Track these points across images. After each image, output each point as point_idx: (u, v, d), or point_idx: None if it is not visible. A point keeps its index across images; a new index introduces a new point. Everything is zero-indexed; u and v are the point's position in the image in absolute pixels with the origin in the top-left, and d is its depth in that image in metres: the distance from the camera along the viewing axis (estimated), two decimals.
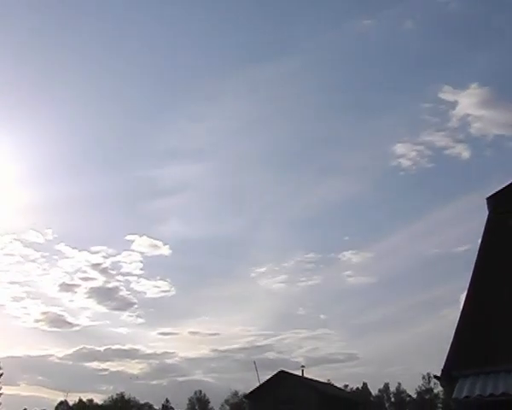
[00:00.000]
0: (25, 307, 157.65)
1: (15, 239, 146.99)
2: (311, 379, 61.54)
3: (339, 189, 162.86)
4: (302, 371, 59.49)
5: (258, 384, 58.11)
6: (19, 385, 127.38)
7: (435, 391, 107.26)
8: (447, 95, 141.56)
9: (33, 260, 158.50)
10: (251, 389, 60.28)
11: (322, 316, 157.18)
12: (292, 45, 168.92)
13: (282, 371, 56.91)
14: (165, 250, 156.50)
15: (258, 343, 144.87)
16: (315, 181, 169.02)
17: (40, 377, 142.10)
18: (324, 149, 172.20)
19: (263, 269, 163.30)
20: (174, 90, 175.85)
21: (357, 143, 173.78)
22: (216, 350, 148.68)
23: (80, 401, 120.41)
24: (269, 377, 57.51)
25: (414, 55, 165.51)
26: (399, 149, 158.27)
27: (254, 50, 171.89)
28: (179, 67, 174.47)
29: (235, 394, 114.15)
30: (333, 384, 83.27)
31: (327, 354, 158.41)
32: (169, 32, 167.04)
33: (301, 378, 57.51)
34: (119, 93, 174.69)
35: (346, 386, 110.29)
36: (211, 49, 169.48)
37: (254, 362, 63.07)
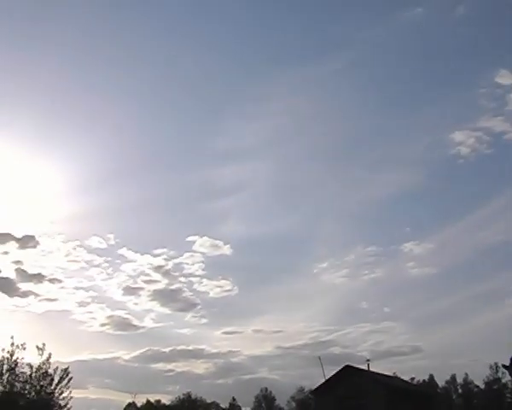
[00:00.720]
0: (90, 312, 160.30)
1: (79, 246, 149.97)
2: (377, 373, 61.24)
3: (396, 180, 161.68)
4: (368, 365, 59.27)
5: (323, 380, 58.13)
6: (87, 388, 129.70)
7: (503, 381, 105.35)
8: (504, 79, 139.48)
9: (97, 266, 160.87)
10: (317, 385, 60.34)
11: (385, 309, 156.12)
12: (341, 41, 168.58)
13: (347, 366, 56.74)
14: (227, 250, 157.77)
15: (323, 339, 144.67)
16: (371, 174, 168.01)
17: (107, 380, 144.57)
18: (379, 142, 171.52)
19: (324, 264, 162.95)
20: (228, 91, 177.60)
21: (413, 134, 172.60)
22: (280, 347, 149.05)
23: (148, 402, 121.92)
24: (334, 372, 57.49)
25: (467, 40, 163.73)
26: (457, 136, 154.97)
27: (304, 49, 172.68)
28: (232, 69, 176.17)
29: (301, 390, 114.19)
30: (399, 377, 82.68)
31: (391, 346, 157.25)
32: (223, 35, 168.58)
33: (367, 372, 57.26)
34: (177, 98, 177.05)
35: (413, 379, 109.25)
36: (261, 50, 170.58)
37: (319, 358, 63.22)
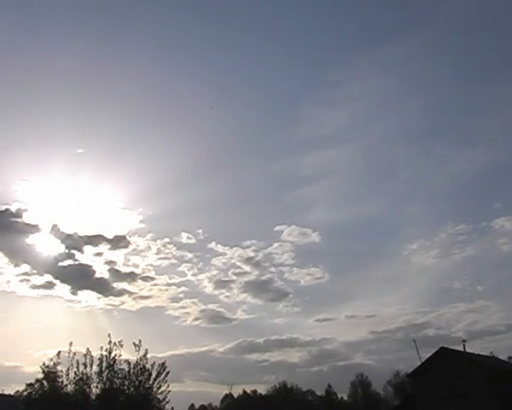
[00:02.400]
0: (184, 307, 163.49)
1: (169, 243, 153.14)
2: (474, 354, 59.98)
3: (483, 155, 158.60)
4: (463, 345, 58.08)
5: (419, 363, 57.35)
6: (184, 382, 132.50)
7: None
8: None
9: (188, 261, 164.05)
10: (413, 369, 59.61)
11: (479, 287, 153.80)
12: (418, 20, 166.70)
13: (442, 348, 55.75)
14: (315, 237, 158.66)
15: (416, 321, 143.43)
16: (458, 150, 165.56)
17: (203, 373, 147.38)
18: (464, 117, 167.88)
19: (414, 246, 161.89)
20: (307, 79, 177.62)
21: (498, 109, 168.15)
22: (374, 332, 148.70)
23: (244, 392, 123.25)
24: (430, 354, 56.64)
25: None
26: None
27: (380, 30, 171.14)
28: (310, 57, 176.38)
29: (397, 374, 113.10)
30: (497, 357, 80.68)
31: (487, 326, 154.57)
32: (300, 23, 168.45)
33: (463, 354, 56.16)
34: (258, 90, 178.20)
35: (510, 358, 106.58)
36: (337, 35, 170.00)
37: (414, 341, 62.47)
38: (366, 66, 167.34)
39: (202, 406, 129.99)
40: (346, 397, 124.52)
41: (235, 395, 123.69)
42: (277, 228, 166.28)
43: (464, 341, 59.71)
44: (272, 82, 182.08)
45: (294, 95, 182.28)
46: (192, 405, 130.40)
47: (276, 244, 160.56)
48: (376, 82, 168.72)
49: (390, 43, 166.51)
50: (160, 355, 52.17)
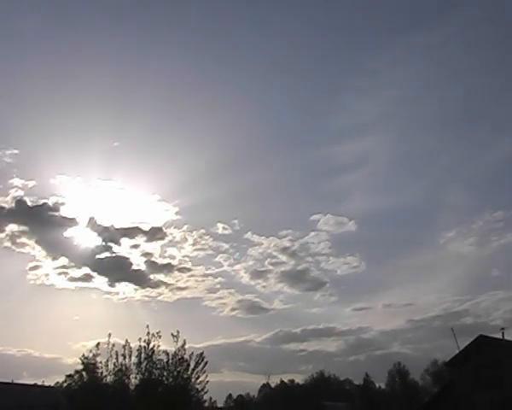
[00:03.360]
0: (220, 298, 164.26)
1: (205, 234, 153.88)
2: None
3: None
4: (502, 333, 57.51)
5: (457, 351, 56.99)
6: (221, 372, 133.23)
7: None
8: None
9: (224, 252, 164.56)
10: (450, 357, 59.23)
11: None
12: (456, 3, 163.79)
13: (481, 336, 55.28)
14: (351, 226, 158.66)
15: (454, 309, 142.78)
16: (495, 135, 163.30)
17: (241, 363, 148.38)
18: (501, 104, 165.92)
19: (451, 233, 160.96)
20: (341, 68, 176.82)
21: None
22: (411, 320, 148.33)
23: (282, 382, 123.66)
24: (468, 342, 56.25)
25: None
26: None
27: (415, 16, 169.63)
28: (343, 45, 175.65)
29: (435, 362, 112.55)
30: None
31: None
32: (332, 11, 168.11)
33: (502, 341, 55.63)
34: (292, 79, 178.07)
35: None
36: (370, 22, 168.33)
37: (452, 329, 61.85)
38: (402, 52, 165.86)
39: (240, 396, 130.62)
40: (383, 386, 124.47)
41: (273, 385, 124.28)
42: (313, 217, 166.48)
43: (503, 328, 59.02)
44: (307, 70, 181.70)
45: (330, 83, 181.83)
46: (230, 395, 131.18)
47: (312, 233, 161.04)
48: (413, 68, 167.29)
49: (427, 28, 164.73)
50: (198, 346, 52.72)
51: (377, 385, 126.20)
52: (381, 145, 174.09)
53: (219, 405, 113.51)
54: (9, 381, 75.65)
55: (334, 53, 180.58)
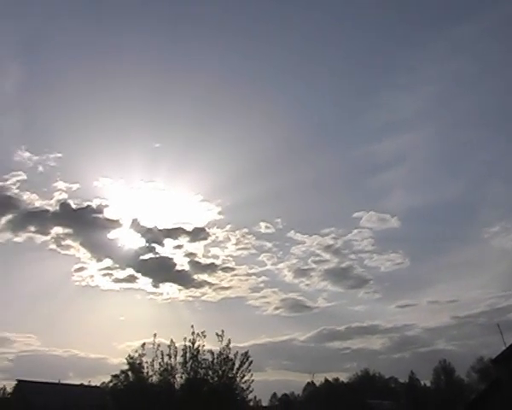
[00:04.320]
0: (264, 297, 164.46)
1: (247, 233, 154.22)
2: None
3: None
4: None
5: (503, 348, 56.22)
6: (266, 371, 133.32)
7: None
8: None
9: (267, 251, 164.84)
10: (497, 354, 58.47)
11: None
12: None
13: None
14: (394, 222, 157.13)
15: (499, 305, 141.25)
16: None
17: (285, 362, 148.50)
18: None
19: (495, 228, 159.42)
20: (380, 64, 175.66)
21: None
22: (456, 317, 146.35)
23: (326, 380, 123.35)
24: None
25: None
26: None
27: (452, 10, 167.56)
28: (382, 41, 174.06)
29: (481, 359, 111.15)
30: None
31: None
32: (371, 8, 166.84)
33: None
34: (331, 77, 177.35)
35: None
36: (408, 17, 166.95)
37: (498, 325, 61.05)
38: (440, 47, 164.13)
39: (284, 394, 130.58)
40: (428, 384, 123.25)
41: (317, 384, 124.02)
42: (356, 215, 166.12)
43: None
44: (347, 69, 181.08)
45: (369, 81, 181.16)
46: (274, 394, 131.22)
47: (355, 231, 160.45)
48: (451, 63, 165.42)
49: (464, 22, 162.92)
50: (242, 345, 52.80)
51: (422, 383, 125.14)
52: (422, 141, 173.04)
53: (264, 404, 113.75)
54: (56, 381, 76.94)
55: (373, 50, 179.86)
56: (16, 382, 75.75)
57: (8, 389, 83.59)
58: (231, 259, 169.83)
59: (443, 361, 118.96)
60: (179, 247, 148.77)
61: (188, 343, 43.61)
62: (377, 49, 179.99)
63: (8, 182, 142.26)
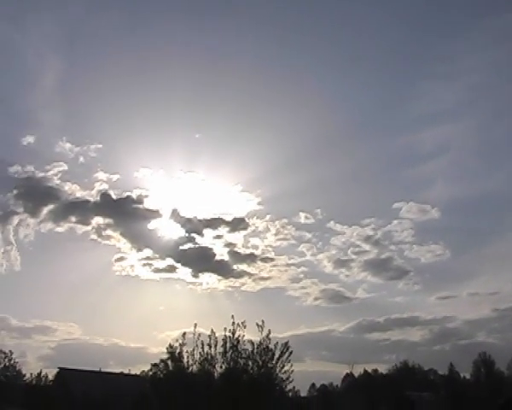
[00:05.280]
0: (304, 288, 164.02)
1: (287, 223, 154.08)
2: None
3: None
4: None
5: None
6: (305, 361, 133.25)
7: None
8: None
9: (307, 241, 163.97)
10: None
11: None
12: None
13: None
14: (435, 213, 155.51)
15: None
16: None
17: (324, 352, 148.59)
18: None
19: None
20: (420, 53, 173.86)
21: None
22: (497, 309, 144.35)
23: (365, 371, 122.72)
24: None
25: None
26: None
27: (493, 2, 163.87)
28: (423, 30, 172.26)
29: None
30: None
31: None
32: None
33: None
34: (371, 66, 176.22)
35: None
36: (448, 7, 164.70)
37: None
38: (481, 37, 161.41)
39: (323, 385, 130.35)
40: (468, 376, 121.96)
41: (356, 375, 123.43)
42: (395, 205, 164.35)
43: None
44: (387, 59, 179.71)
45: (410, 71, 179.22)
46: (313, 384, 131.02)
47: (395, 222, 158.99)
48: (491, 53, 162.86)
49: (505, 11, 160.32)
50: (281, 335, 52.52)
51: (462, 375, 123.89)
52: (463, 132, 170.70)
53: (302, 394, 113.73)
54: (97, 369, 77.85)
55: (414, 40, 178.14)
56: (57, 370, 76.80)
57: (50, 377, 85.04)
58: (271, 249, 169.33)
59: (483, 354, 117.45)
60: (219, 237, 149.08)
61: (228, 333, 43.57)
62: (418, 38, 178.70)
63: (50, 173, 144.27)
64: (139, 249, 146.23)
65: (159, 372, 50.26)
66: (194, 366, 45.29)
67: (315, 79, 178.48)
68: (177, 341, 46.43)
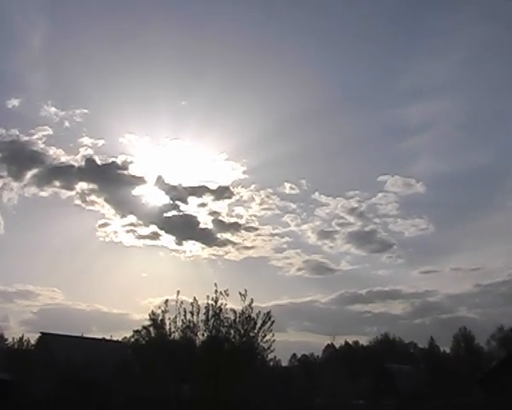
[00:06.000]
0: (287, 258, 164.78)
1: (272, 193, 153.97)
2: None
3: None
4: None
5: None
6: (287, 332, 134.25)
7: None
8: None
9: (291, 212, 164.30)
10: None
11: None
12: None
13: None
14: (420, 188, 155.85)
15: None
16: None
17: (306, 323, 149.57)
18: None
19: None
20: (410, 27, 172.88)
21: None
22: (479, 285, 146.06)
23: (346, 343, 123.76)
24: None
25: None
26: None
27: None
28: (413, 3, 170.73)
29: (501, 328, 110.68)
30: None
31: None
32: None
33: None
34: (361, 39, 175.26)
35: None
36: None
37: None
38: (475, 12, 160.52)
39: (304, 355, 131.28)
40: (448, 350, 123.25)
41: (337, 346, 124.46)
42: (381, 178, 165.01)
43: None
44: (376, 31, 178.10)
45: (398, 44, 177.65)
46: (294, 354, 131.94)
47: (379, 195, 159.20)
48: (481, 28, 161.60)
49: None
50: (264, 305, 52.84)
51: (442, 349, 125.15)
52: (450, 107, 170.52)
53: (284, 364, 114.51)
54: (79, 335, 77.92)
55: (404, 14, 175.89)
56: (40, 334, 76.82)
57: (32, 341, 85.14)
58: (255, 219, 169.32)
59: (463, 329, 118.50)
60: (203, 205, 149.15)
61: (210, 301, 43.71)
62: (408, 12, 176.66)
63: (35, 137, 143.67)
64: (123, 216, 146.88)
65: (141, 339, 50.57)
66: (176, 334, 45.56)
67: (303, 49, 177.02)
68: (159, 308, 46.66)
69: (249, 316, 43.84)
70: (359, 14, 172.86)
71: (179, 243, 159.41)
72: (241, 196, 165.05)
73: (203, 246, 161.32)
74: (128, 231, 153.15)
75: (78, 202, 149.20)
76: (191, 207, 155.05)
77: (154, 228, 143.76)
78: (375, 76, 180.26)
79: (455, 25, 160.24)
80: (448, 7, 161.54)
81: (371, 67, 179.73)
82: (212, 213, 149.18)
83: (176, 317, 44.64)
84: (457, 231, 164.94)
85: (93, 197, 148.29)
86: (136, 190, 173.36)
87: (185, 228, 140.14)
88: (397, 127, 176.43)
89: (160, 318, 46.41)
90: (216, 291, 43.61)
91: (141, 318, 61.94)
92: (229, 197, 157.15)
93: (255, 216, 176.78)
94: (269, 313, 44.53)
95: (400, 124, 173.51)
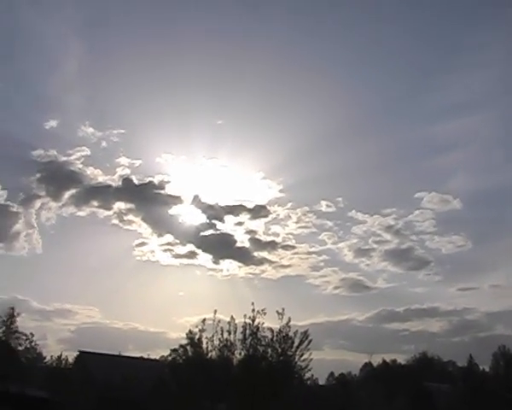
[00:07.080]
0: (324, 276, 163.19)
1: (308, 211, 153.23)
2: None
3: None
4: None
5: None
6: (323, 350, 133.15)
7: None
8: None
9: (327, 230, 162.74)
10: None
11: None
12: None
13: None
14: (457, 204, 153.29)
15: None
16: None
17: (342, 341, 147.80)
18: None
19: None
20: (445, 44, 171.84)
21: None
22: None
23: (384, 361, 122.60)
24: None
25: None
26: None
27: None
28: (448, 19, 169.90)
29: None
30: None
31: None
32: None
33: None
34: (395, 55, 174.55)
35: None
36: None
37: None
38: (504, 27, 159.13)
39: (341, 374, 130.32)
40: (487, 369, 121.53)
41: (375, 364, 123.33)
42: (417, 195, 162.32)
43: None
44: (410, 48, 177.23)
45: (433, 60, 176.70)
46: (331, 373, 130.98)
47: (416, 212, 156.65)
48: None
49: None
50: (301, 324, 52.53)
51: (481, 368, 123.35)
52: (486, 123, 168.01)
53: (321, 383, 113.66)
54: (116, 353, 78.35)
55: (440, 28, 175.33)
56: (78, 353, 77.36)
57: (70, 360, 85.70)
58: (292, 237, 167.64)
59: (502, 347, 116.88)
60: (240, 224, 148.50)
61: (247, 320, 43.73)
62: (442, 28, 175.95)
63: (73, 157, 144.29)
64: (160, 235, 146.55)
65: (178, 358, 50.72)
66: (214, 353, 45.69)
67: (339, 67, 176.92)
68: (196, 327, 46.78)
69: (287, 335, 43.82)
70: (393, 30, 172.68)
71: (216, 262, 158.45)
72: (278, 215, 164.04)
73: (240, 265, 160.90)
74: (165, 250, 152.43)
75: (115, 221, 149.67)
76: (228, 225, 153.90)
77: (191, 247, 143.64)
78: (411, 91, 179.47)
79: (490, 40, 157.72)
80: (478, 23, 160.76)
81: (407, 83, 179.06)
82: (249, 231, 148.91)
83: (213, 336, 44.87)
84: (496, 247, 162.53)
85: (130, 217, 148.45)
86: (173, 210, 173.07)
87: (222, 247, 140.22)
88: (433, 144, 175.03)
89: (197, 336, 46.63)
90: (253, 310, 43.68)
91: (178, 336, 62.30)
92: (266, 216, 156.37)
93: (292, 234, 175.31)
94: (306, 331, 44.55)
95: (436, 140, 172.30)
